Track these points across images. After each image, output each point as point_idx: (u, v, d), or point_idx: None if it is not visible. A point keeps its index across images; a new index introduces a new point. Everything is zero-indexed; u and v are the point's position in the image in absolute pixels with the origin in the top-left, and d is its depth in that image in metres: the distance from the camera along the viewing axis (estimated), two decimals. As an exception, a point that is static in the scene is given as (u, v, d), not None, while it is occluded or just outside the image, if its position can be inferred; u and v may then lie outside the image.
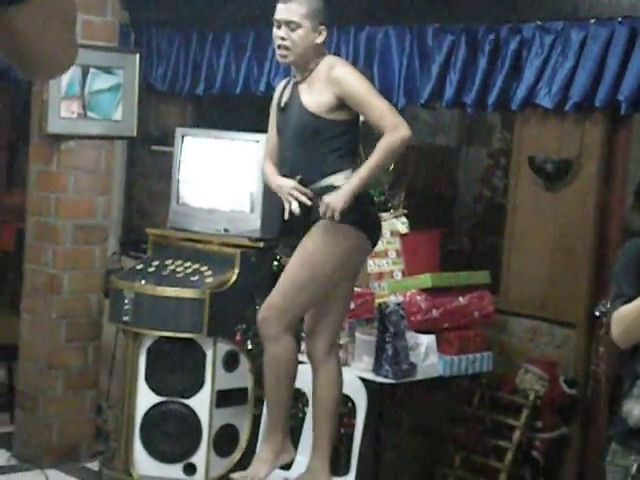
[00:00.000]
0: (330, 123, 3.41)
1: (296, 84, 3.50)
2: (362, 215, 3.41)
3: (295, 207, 3.40)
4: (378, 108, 3.33)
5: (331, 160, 3.42)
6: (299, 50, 3.41)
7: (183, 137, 4.61)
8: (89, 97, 4.57)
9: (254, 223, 4.35)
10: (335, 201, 3.31)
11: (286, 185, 3.44)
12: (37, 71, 1.33)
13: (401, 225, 4.21)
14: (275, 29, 3.43)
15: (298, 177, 3.44)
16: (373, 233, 3.48)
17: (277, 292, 3.48)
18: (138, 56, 4.75)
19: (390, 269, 4.16)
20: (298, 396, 3.83)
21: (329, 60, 3.46)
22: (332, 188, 3.38)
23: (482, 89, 4.10)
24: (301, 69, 3.47)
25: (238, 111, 5.20)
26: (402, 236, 4.20)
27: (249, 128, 4.60)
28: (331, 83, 3.38)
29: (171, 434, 4.26)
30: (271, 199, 4.29)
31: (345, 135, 3.42)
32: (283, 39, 3.40)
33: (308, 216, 3.44)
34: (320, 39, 3.42)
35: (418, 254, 4.18)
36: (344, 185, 3.33)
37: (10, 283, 6.52)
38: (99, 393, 4.90)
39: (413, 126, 5.40)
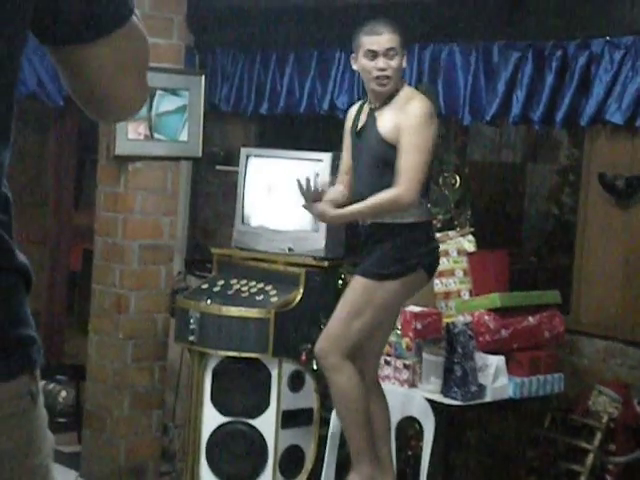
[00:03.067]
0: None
1: (372, 110, 3.51)
2: (406, 266, 3.42)
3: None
4: (408, 162, 3.34)
5: None
6: (396, 77, 3.47)
7: (248, 157, 4.63)
8: (155, 119, 4.61)
9: (318, 242, 4.34)
10: (326, 216, 3.48)
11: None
12: (105, 113, 1.31)
13: (468, 243, 4.15)
14: (368, 61, 3.46)
15: None
16: (428, 266, 3.49)
17: (333, 322, 3.49)
18: (203, 77, 4.78)
19: (457, 288, 4.11)
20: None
21: (408, 90, 3.52)
22: (397, 226, 3.41)
23: (550, 105, 4.04)
24: (383, 95, 3.49)
25: (302, 130, 5.20)
26: (469, 255, 4.14)
27: (313, 147, 4.60)
28: (401, 112, 3.40)
29: (237, 455, 4.25)
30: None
31: None
32: (383, 69, 3.43)
33: (372, 236, 3.47)
34: (404, 64, 3.50)
35: (486, 273, 4.12)
36: (343, 210, 3.44)
37: (78, 303, 6.61)
38: (165, 413, 4.92)
39: (477, 142, 5.31)
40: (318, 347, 3.51)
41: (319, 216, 3.55)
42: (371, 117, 3.52)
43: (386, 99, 3.48)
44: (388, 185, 3.41)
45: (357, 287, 3.46)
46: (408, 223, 3.42)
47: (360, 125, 3.56)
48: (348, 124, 3.65)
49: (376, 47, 3.44)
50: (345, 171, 3.67)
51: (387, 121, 3.44)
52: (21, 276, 1.19)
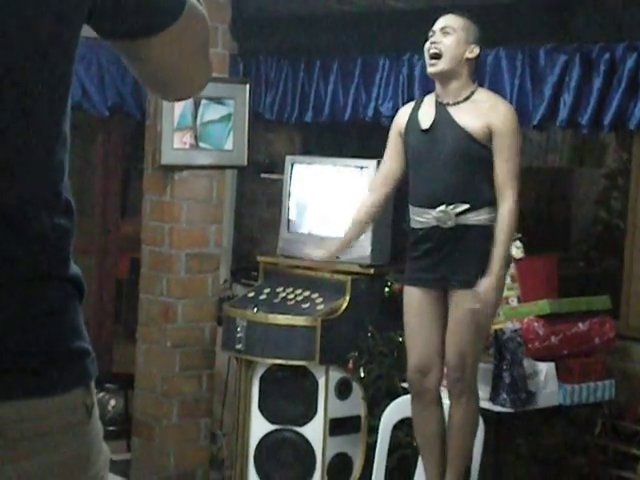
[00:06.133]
0: (487, 151, 3.38)
1: (443, 105, 3.45)
2: None
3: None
4: (510, 169, 3.32)
5: (484, 190, 3.39)
6: (448, 57, 3.36)
7: (292, 165, 4.64)
8: (201, 128, 4.63)
9: (364, 250, 4.32)
10: (488, 293, 3.29)
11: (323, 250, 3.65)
12: (174, 93, 1.36)
13: (516, 250, 4.11)
14: (428, 43, 3.42)
15: (441, 209, 3.39)
16: None
17: (465, 345, 3.39)
18: (248, 86, 4.80)
19: (505, 295, 4.06)
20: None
21: (487, 91, 3.53)
22: (482, 228, 3.37)
23: (598, 109, 3.99)
24: (450, 88, 3.41)
25: (346, 138, 5.20)
26: (517, 261, 4.10)
27: (357, 154, 4.59)
28: (491, 113, 3.35)
29: (285, 462, 4.26)
30: (381, 226, 4.27)
31: (492, 168, 3.39)
32: (435, 43, 3.37)
33: (453, 241, 3.43)
34: (469, 55, 3.40)
35: (534, 279, 4.08)
36: (490, 273, 3.29)
37: (124, 311, 6.66)
38: (213, 421, 4.93)
39: (523, 147, 5.30)
40: (460, 372, 3.40)
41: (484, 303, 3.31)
42: (443, 112, 3.43)
43: (461, 97, 3.41)
44: (470, 181, 3.38)
45: (474, 303, 3.33)
46: (491, 224, 3.37)
47: (430, 121, 3.45)
48: (400, 124, 3.54)
49: (434, 27, 3.41)
50: (386, 176, 3.58)
51: (472, 118, 3.37)
52: (74, 287, 1.18)
